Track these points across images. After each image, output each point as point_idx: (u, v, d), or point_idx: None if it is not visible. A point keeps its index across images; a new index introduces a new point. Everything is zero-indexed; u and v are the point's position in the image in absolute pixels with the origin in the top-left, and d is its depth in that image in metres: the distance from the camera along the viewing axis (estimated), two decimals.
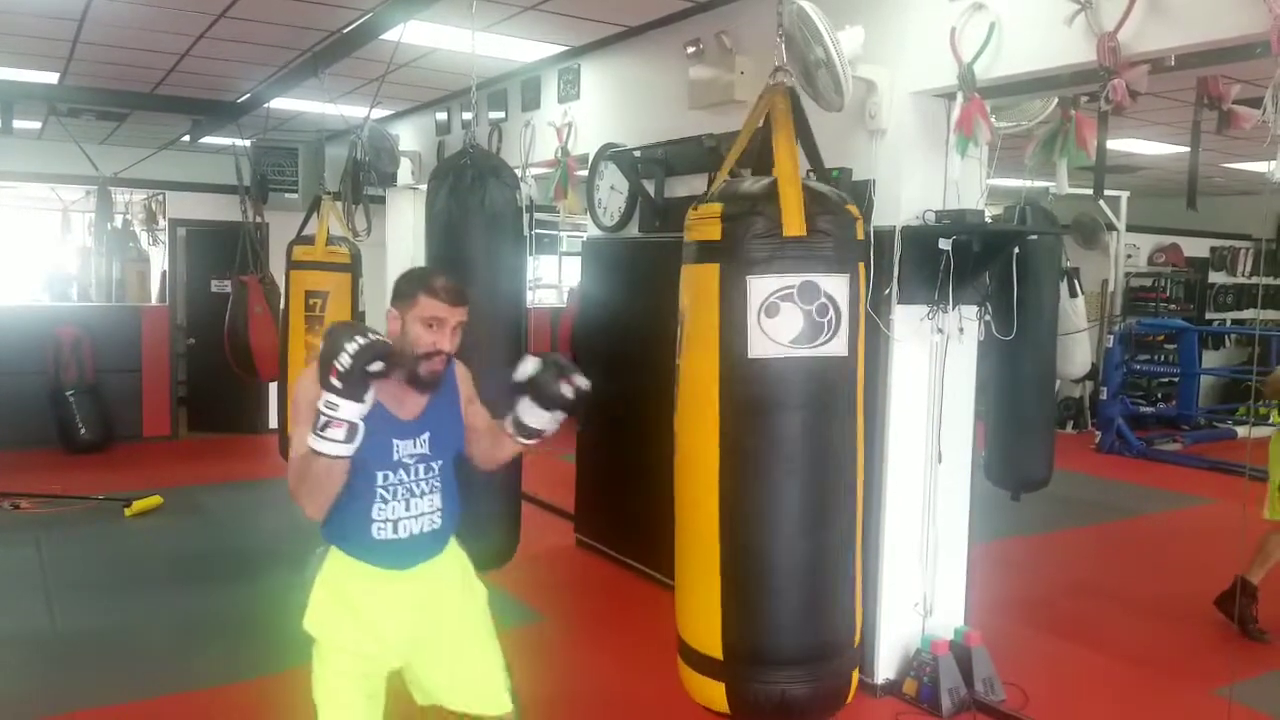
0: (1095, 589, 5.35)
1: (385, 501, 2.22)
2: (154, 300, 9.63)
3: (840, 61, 3.20)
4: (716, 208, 2.30)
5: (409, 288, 2.22)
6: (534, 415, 2.34)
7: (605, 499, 5.53)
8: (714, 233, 2.28)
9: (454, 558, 2.43)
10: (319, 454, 2.03)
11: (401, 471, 2.23)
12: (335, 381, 1.99)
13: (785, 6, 2.91)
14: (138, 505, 6.25)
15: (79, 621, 4.50)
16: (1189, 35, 2.80)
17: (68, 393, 8.17)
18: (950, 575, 3.99)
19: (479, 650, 2.43)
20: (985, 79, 3.32)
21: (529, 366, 2.33)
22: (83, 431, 8.18)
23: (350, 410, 2.01)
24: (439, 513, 2.30)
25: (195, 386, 9.35)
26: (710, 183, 4.47)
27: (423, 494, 2.26)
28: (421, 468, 2.26)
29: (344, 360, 1.98)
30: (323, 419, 2.01)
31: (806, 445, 2.32)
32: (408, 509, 2.24)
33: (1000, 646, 3.96)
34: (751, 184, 2.37)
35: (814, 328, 2.26)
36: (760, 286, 2.23)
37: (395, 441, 2.22)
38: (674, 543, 2.49)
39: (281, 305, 5.49)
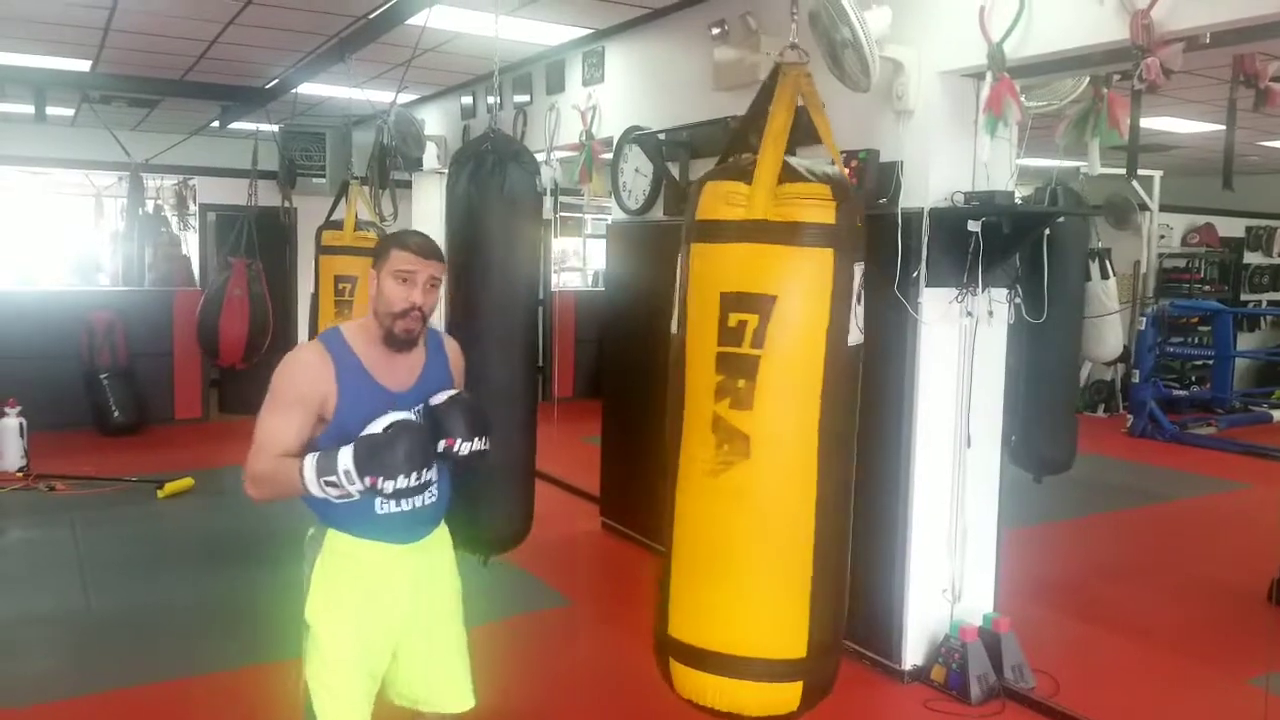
0: (1127, 575, 5.29)
1: None
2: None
3: (867, 41, 3.16)
4: (824, 189, 2.22)
5: (383, 245, 2.24)
6: None
7: (631, 482, 5.54)
8: (828, 216, 2.21)
9: (446, 538, 2.43)
10: (307, 489, 2.05)
11: None
12: (368, 484, 2.01)
13: None
14: (170, 487, 6.34)
15: (113, 601, 4.57)
16: (1225, 11, 2.74)
17: (101, 376, 8.28)
18: (979, 560, 3.96)
19: (455, 642, 2.42)
20: (1015, 58, 3.26)
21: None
22: (116, 414, 8.28)
23: (362, 492, 2.04)
24: (435, 485, 2.27)
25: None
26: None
27: None
28: None
29: (388, 487, 2.02)
30: (333, 479, 2.02)
31: (856, 433, 2.38)
32: (409, 481, 2.19)
33: (1030, 633, 3.93)
34: (825, 165, 2.32)
35: (859, 316, 2.30)
36: (857, 274, 2.25)
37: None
38: (708, 549, 2.31)
39: (313, 290, 5.54)
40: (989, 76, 3.30)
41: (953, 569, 3.86)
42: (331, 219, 5.54)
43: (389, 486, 2.02)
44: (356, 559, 2.23)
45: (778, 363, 2.19)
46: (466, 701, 2.40)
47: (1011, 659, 3.75)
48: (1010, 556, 4.21)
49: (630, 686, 3.76)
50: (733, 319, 2.21)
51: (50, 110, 7.44)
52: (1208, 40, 2.90)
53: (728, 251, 2.24)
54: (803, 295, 2.19)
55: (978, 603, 3.94)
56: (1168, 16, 2.81)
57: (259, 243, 7.67)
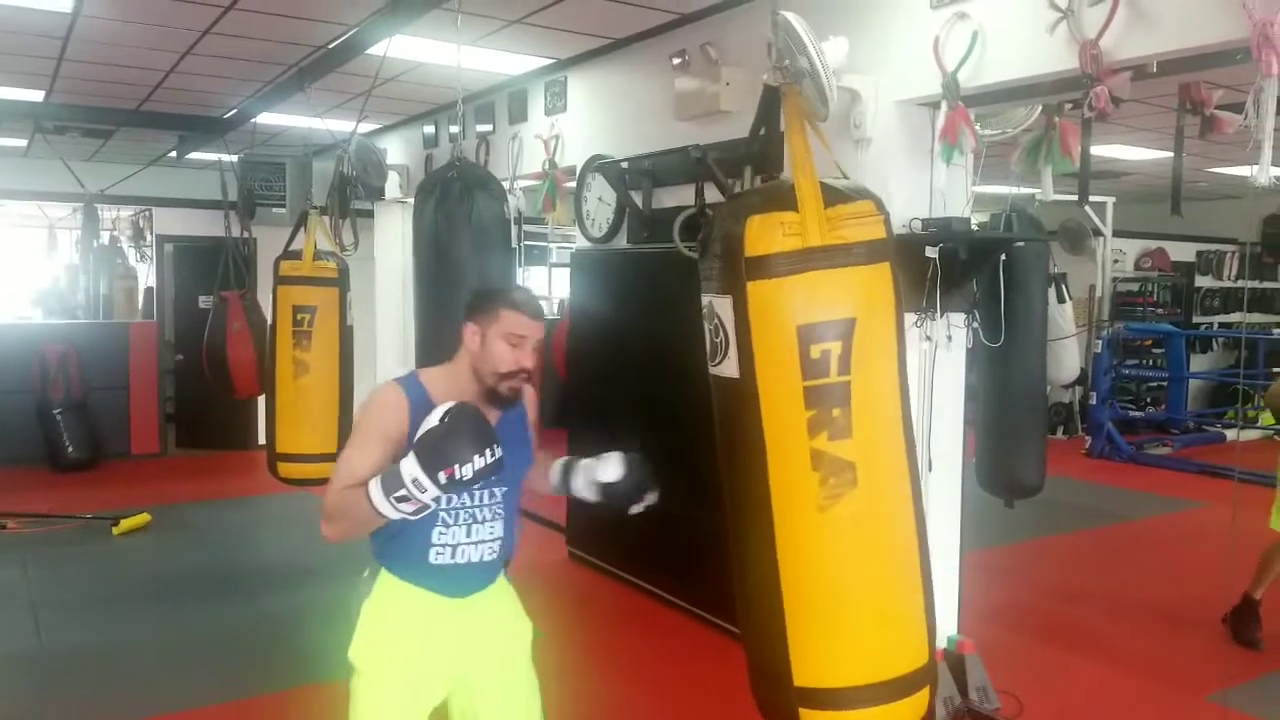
0: (1087, 595, 5.35)
1: (447, 526, 2.16)
2: (140, 315, 9.60)
3: (825, 72, 3.20)
4: (870, 205, 2.23)
5: (490, 303, 2.17)
6: (588, 492, 2.36)
7: (598, 511, 5.48)
8: (880, 231, 2.21)
9: (505, 591, 2.38)
10: (379, 513, 1.96)
11: (466, 495, 2.15)
12: (443, 479, 1.90)
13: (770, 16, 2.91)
14: (126, 524, 6.21)
15: (66, 642, 4.46)
16: (1170, 42, 2.82)
17: (55, 410, 8.13)
18: (942, 583, 3.95)
19: (525, 698, 2.37)
20: (969, 87, 3.33)
21: (611, 470, 2.34)
22: (70, 449, 8.13)
23: (437, 497, 1.95)
24: (498, 542, 2.23)
25: (183, 403, 9.31)
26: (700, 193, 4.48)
27: (484, 520, 2.20)
28: (486, 493, 2.19)
29: (467, 471, 1.90)
30: (402, 492, 1.92)
31: None
32: (468, 535, 2.18)
33: (994, 654, 3.96)
34: (848, 182, 2.33)
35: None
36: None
37: None
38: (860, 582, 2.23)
39: (270, 321, 5.46)
40: (944, 105, 3.36)
41: None
42: (290, 249, 5.49)
43: (468, 471, 1.90)
44: (403, 605, 2.18)
45: (867, 383, 2.17)
46: None
47: (976, 681, 3.77)
48: (973, 578, 4.23)
49: (614, 718, 3.72)
50: (815, 350, 2.15)
51: (2, 141, 7.33)
52: (1154, 69, 2.99)
53: (794, 283, 2.16)
54: (877, 311, 2.19)
55: (942, 625, 3.94)
56: (1115, 46, 2.88)
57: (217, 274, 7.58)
